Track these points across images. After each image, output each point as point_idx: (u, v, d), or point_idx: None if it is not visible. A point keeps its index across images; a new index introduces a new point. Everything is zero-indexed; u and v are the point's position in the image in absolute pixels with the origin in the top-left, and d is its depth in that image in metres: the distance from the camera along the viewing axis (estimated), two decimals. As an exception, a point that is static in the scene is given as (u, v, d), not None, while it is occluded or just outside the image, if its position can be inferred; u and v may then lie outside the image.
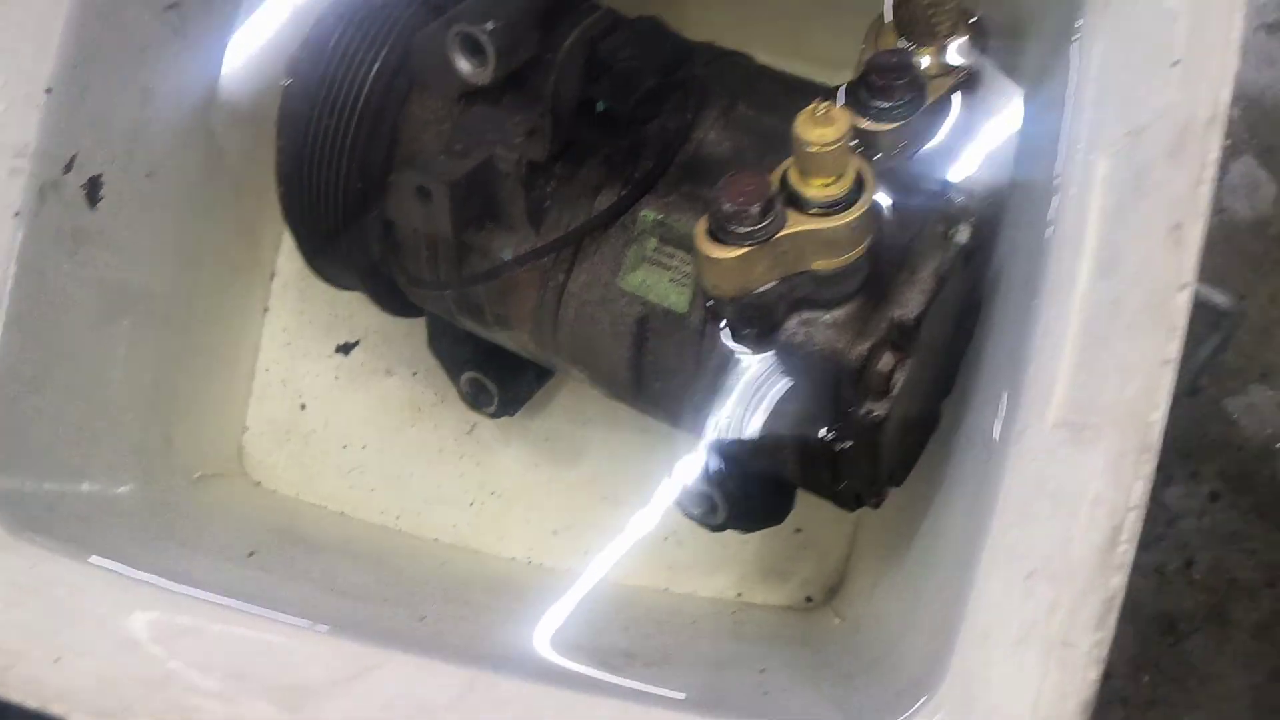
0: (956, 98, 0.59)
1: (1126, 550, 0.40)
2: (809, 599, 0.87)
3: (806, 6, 0.81)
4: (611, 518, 0.90)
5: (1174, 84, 0.43)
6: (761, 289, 0.55)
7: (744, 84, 0.68)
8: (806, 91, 0.68)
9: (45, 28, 0.63)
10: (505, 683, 0.53)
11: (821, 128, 0.50)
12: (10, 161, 0.62)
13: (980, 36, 0.59)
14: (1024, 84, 0.64)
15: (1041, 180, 0.58)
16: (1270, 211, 0.96)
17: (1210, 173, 0.40)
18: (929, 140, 0.59)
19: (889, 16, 0.59)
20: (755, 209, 0.51)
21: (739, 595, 0.88)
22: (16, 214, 0.63)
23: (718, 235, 0.53)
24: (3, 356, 0.63)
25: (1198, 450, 0.97)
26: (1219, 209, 0.95)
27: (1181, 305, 0.40)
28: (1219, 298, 0.77)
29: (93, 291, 0.71)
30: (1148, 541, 0.98)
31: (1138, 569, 0.97)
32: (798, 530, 0.88)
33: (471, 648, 0.62)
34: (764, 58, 0.86)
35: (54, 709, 0.46)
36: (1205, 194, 0.40)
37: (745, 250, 0.52)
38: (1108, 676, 1.00)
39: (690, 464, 0.74)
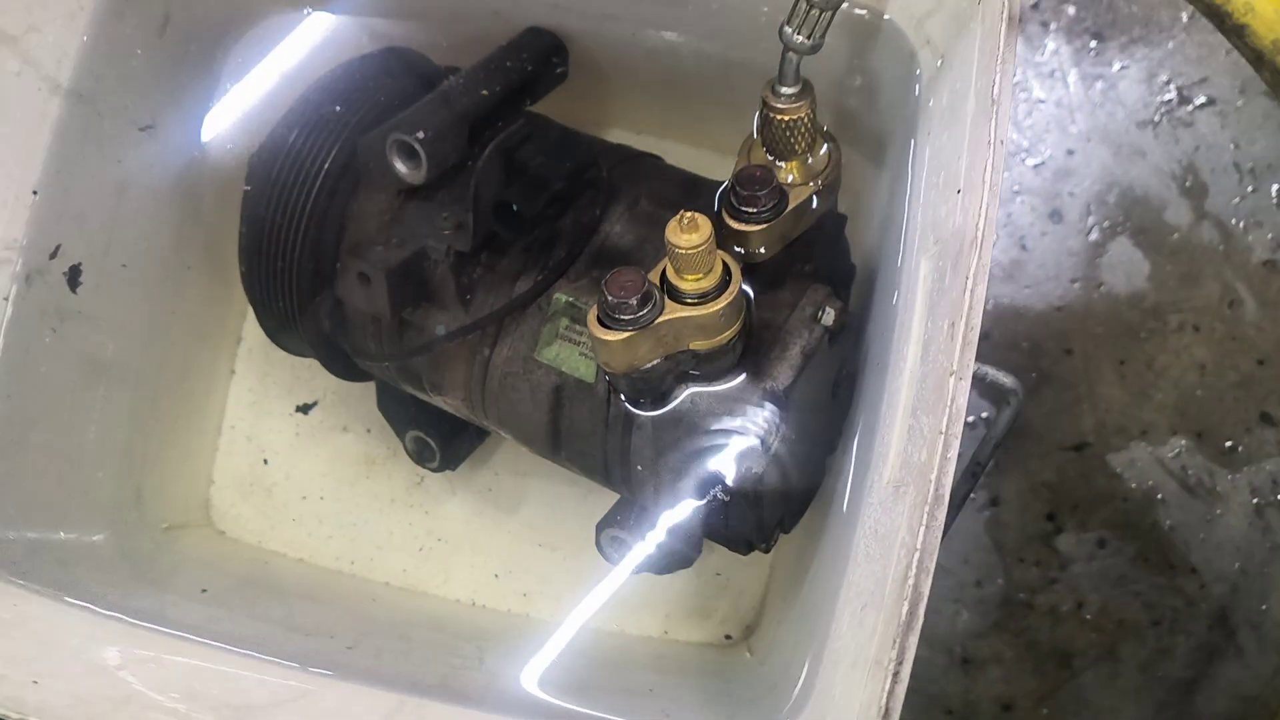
0: (815, 200, 0.68)
1: (914, 584, 0.48)
2: (728, 636, 0.96)
3: (709, 109, 0.91)
4: (548, 562, 0.98)
5: (958, 209, 0.53)
6: (648, 365, 0.65)
7: (648, 183, 0.77)
8: (698, 189, 0.79)
9: (31, 140, 0.72)
10: (433, 705, 0.61)
11: (688, 234, 0.59)
12: (4, 254, 0.71)
13: (837, 149, 0.69)
14: (875, 188, 0.74)
15: (891, 273, 0.68)
16: (1144, 286, 1.06)
17: (974, 282, 0.49)
18: (793, 236, 0.68)
19: (755, 134, 0.68)
20: (634, 300, 0.61)
21: (665, 633, 0.96)
22: (5, 298, 0.71)
23: (605, 321, 0.62)
24: (-7, 423, 0.71)
25: (1085, 501, 1.06)
26: (1097, 283, 1.05)
27: (954, 388, 0.49)
28: (1005, 379, 0.89)
29: (72, 363, 0.80)
30: (1043, 584, 1.07)
31: (1035, 610, 1.07)
32: (718, 574, 0.97)
33: (408, 676, 0.70)
34: (677, 146, 0.97)
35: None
36: (971, 298, 0.49)
37: (628, 334, 0.62)
38: (1008, 708, 1.08)
39: (610, 512, 0.83)
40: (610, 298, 0.61)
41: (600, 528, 0.83)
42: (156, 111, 0.82)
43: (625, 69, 0.89)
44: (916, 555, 0.48)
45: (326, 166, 0.80)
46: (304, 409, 1.02)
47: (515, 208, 0.73)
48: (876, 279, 0.76)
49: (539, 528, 0.99)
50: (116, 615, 0.66)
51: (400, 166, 0.76)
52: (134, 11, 0.76)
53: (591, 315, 0.63)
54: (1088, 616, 1.06)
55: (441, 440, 0.91)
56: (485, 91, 0.78)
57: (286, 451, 1.01)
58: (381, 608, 0.95)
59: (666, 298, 0.63)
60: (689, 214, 0.60)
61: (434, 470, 0.93)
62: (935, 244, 0.57)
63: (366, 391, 0.97)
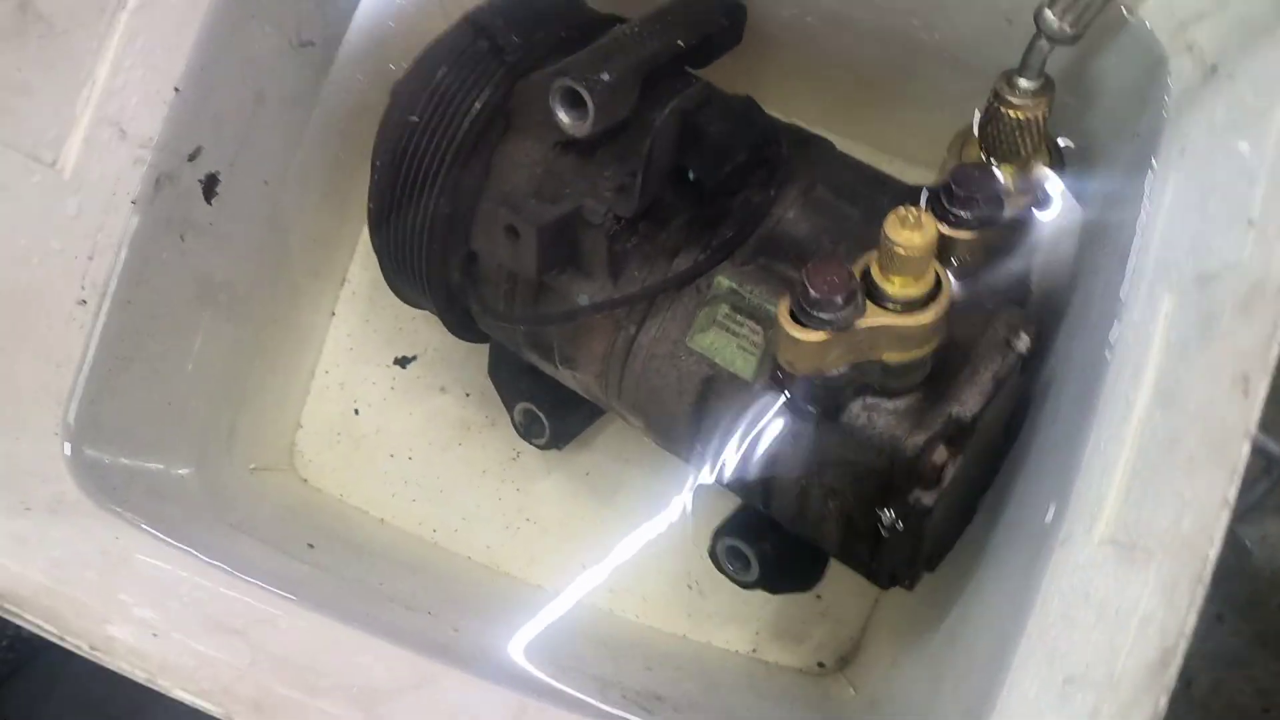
0: (1032, 214, 0.62)
1: (1174, 673, 0.42)
2: (821, 664, 0.90)
3: (880, 101, 0.84)
4: (641, 558, 0.92)
5: (1249, 243, 0.46)
6: (833, 372, 0.58)
7: (825, 169, 0.71)
8: (882, 184, 0.72)
9: (180, 32, 0.67)
10: (553, 713, 0.56)
11: (911, 231, 0.53)
12: (135, 151, 0.65)
13: (1059, 159, 0.62)
14: (1095, 207, 0.67)
15: (1102, 302, 0.61)
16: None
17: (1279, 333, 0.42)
18: (1001, 250, 0.62)
19: (975, 130, 0.62)
20: (839, 298, 0.54)
21: (753, 651, 0.90)
22: (134, 201, 0.66)
23: (799, 317, 0.56)
24: (104, 334, 0.66)
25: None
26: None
27: (1243, 452, 0.42)
28: (1274, 446, 0.79)
29: (188, 281, 0.75)
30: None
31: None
32: (818, 596, 0.91)
33: (511, 670, 0.65)
34: (832, 138, 0.91)
35: (166, 687, 0.48)
36: (1274, 352, 0.43)
37: (825, 335, 0.55)
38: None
39: (730, 519, 0.77)
40: (813, 292, 0.54)
41: (718, 534, 0.77)
42: (303, 19, 0.76)
43: (795, 42, 0.83)
44: (1181, 641, 0.41)
45: (478, 107, 0.74)
46: (402, 362, 0.97)
47: (692, 175, 0.67)
48: (1067, 303, 0.69)
49: (637, 520, 0.93)
50: (224, 566, 0.61)
51: (563, 116, 0.70)
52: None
53: (783, 308, 0.57)
54: (1195, 695, 0.99)
55: (553, 416, 0.85)
56: (661, 43, 0.71)
57: (379, 404, 0.96)
58: (466, 585, 0.90)
59: (867, 300, 0.56)
60: (914, 210, 0.53)
61: (540, 447, 0.88)
62: (1195, 279, 0.50)
63: (470, 354, 0.92)
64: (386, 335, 0.97)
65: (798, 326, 0.56)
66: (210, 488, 0.80)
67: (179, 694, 0.48)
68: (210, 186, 0.70)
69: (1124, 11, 0.58)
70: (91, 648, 0.49)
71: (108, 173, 0.62)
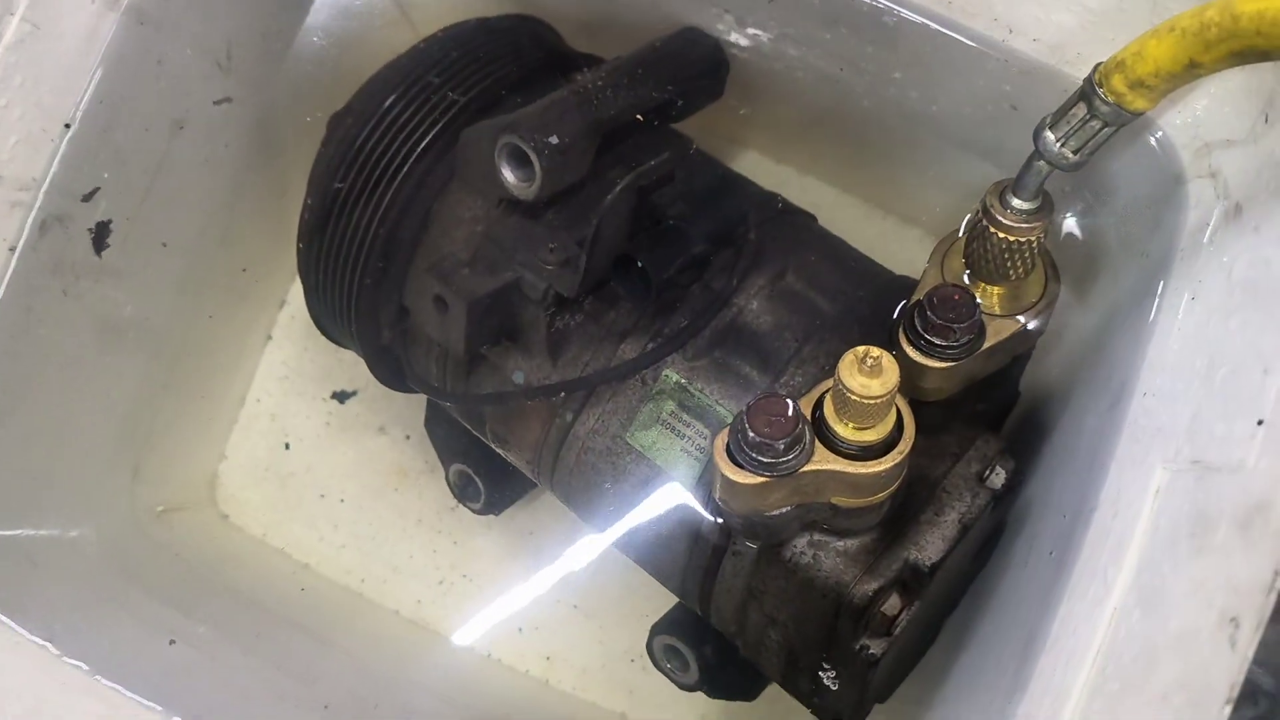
0: (1020, 337, 0.54)
1: None
2: (770, 758, 0.84)
3: (874, 159, 0.76)
4: (581, 629, 0.86)
5: (1256, 448, 0.39)
6: (774, 513, 0.51)
7: (800, 254, 0.63)
8: (862, 276, 0.64)
9: (76, 64, 0.59)
10: None
11: (867, 379, 0.46)
12: (13, 195, 0.58)
13: (1055, 277, 0.54)
14: (1096, 317, 0.59)
15: (1093, 442, 0.54)
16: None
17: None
18: (977, 378, 0.54)
19: (958, 239, 0.54)
20: (782, 443, 0.47)
21: (699, 736, 0.85)
22: (11, 249, 0.59)
23: (736, 457, 0.49)
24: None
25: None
26: None
27: (1223, 714, 0.36)
28: (1264, 678, 0.70)
29: (83, 324, 0.68)
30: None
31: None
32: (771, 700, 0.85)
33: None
34: (820, 185, 0.83)
35: None
36: (1270, 600, 0.36)
37: (764, 479, 0.48)
38: None
39: (670, 614, 0.71)
40: (751, 433, 0.47)
41: (655, 631, 0.71)
42: (229, 41, 0.68)
43: (786, 95, 0.75)
44: None
45: (420, 148, 0.66)
46: (340, 397, 0.90)
47: (640, 264, 0.59)
48: (1055, 422, 0.62)
49: (578, 588, 0.86)
50: (79, 664, 0.54)
51: (508, 175, 0.62)
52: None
53: (720, 442, 0.49)
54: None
55: (490, 482, 0.78)
56: (628, 100, 0.63)
57: (312, 440, 0.89)
58: (389, 645, 0.84)
59: (817, 441, 0.49)
60: (874, 353, 0.46)
61: (476, 512, 0.81)
62: (1192, 463, 0.43)
63: (417, 397, 0.85)
64: (325, 367, 0.90)
65: (733, 467, 0.48)
66: (108, 546, 0.74)
67: None
68: (101, 236, 0.63)
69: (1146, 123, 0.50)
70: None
71: (-20, 219, 0.55)
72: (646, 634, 0.78)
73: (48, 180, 0.58)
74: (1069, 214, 0.65)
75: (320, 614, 0.84)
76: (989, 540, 0.63)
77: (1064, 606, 0.49)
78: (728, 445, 0.49)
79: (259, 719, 0.63)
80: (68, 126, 0.59)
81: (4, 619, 0.56)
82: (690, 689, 0.71)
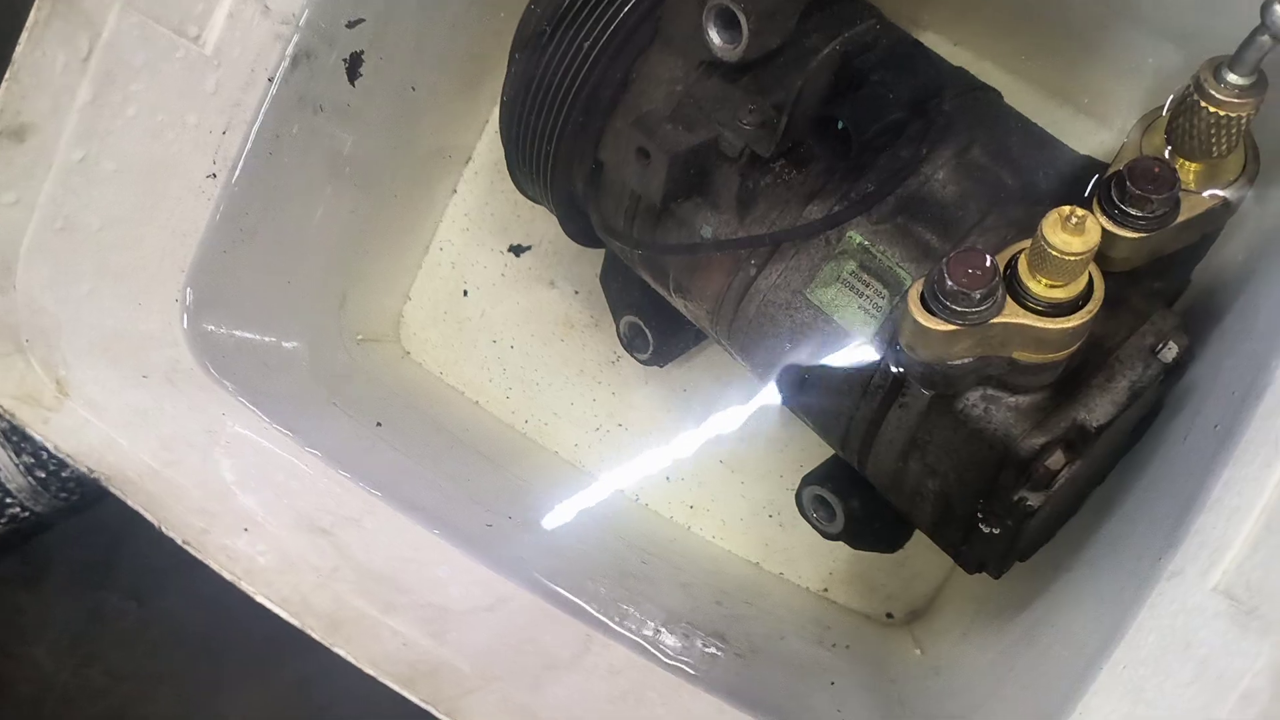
0: (1211, 216, 0.56)
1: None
2: (890, 615, 0.89)
3: (1061, 47, 0.77)
4: (726, 482, 0.92)
5: None
6: (957, 361, 0.55)
7: (987, 128, 0.66)
8: (1048, 153, 0.66)
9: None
10: (617, 648, 0.56)
11: (1070, 236, 0.49)
12: (277, 28, 0.64)
13: (1255, 164, 0.56)
14: (1272, 225, 0.61)
15: (1269, 321, 0.56)
16: None
17: None
18: (1165, 253, 0.56)
19: (1162, 115, 0.56)
20: (977, 294, 0.51)
21: (824, 590, 0.90)
22: (271, 79, 0.65)
23: (930, 305, 0.52)
24: (230, 206, 0.66)
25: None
26: None
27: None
28: None
29: (318, 156, 0.74)
30: None
31: None
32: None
33: (583, 590, 0.65)
34: (997, 71, 0.83)
35: (245, 587, 0.50)
36: None
37: (954, 327, 0.52)
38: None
39: (821, 467, 0.76)
40: (950, 282, 0.51)
41: (807, 481, 0.76)
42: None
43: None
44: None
45: (626, 11, 0.70)
46: (516, 250, 0.96)
47: (840, 125, 0.62)
48: (1228, 308, 0.64)
49: (726, 444, 0.92)
50: (317, 453, 0.62)
51: (715, 37, 0.65)
52: None
53: (914, 291, 0.53)
54: None
55: (659, 334, 0.84)
56: (833, -32, 0.66)
57: (488, 289, 0.96)
58: (547, 482, 0.91)
59: (1008, 295, 0.53)
60: (1079, 213, 0.49)
61: (642, 362, 0.87)
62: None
63: (585, 251, 0.90)
64: (504, 221, 0.96)
65: (926, 314, 0.52)
66: (316, 360, 0.82)
67: (260, 599, 0.50)
68: (355, 66, 0.68)
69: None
70: (184, 541, 0.51)
71: (248, 49, 0.61)
72: (784, 493, 0.84)
73: (304, 16, 0.63)
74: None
75: (489, 444, 0.92)
76: (1146, 417, 0.65)
77: (1228, 471, 0.52)
78: (922, 293, 0.53)
79: (444, 517, 0.69)
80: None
81: (254, 409, 0.63)
82: (833, 538, 0.76)
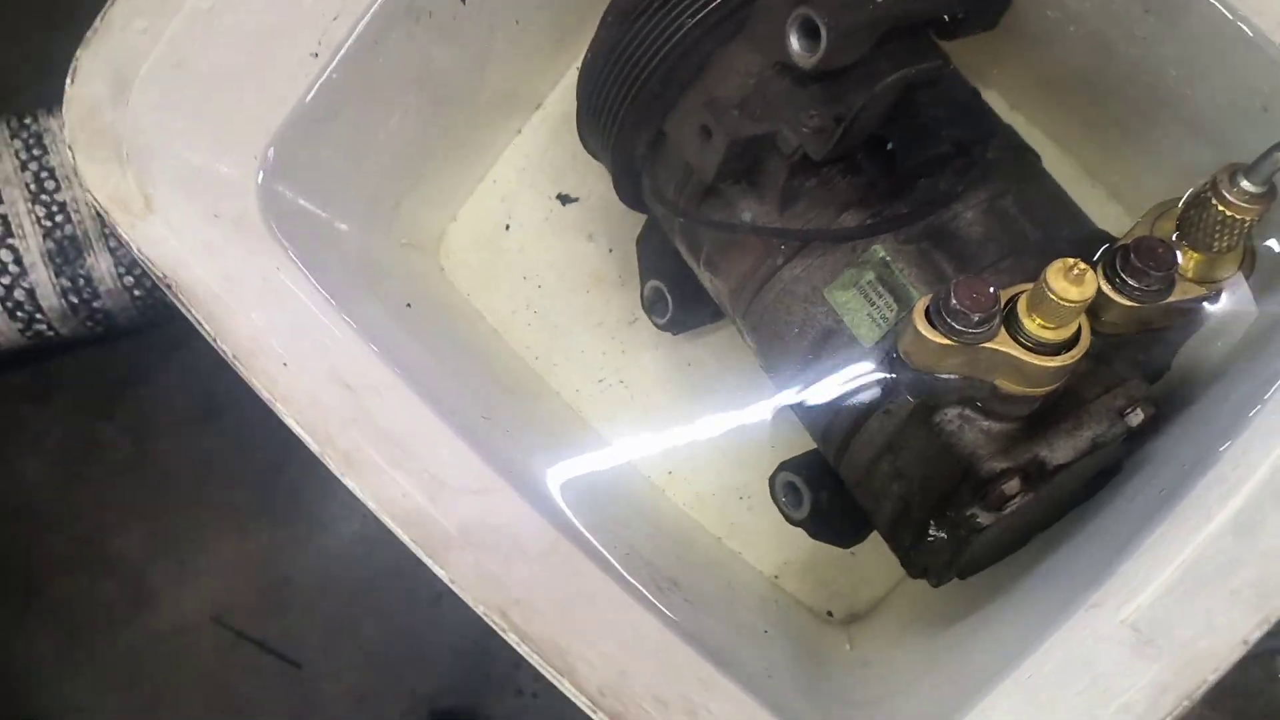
0: (1199, 307, 0.62)
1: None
2: (830, 613, 0.95)
3: (1104, 127, 0.82)
4: (709, 459, 0.98)
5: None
6: (945, 376, 0.61)
7: (1021, 182, 0.71)
8: (1072, 218, 0.72)
9: None
10: (580, 557, 0.62)
11: (1069, 284, 0.54)
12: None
13: (1251, 263, 0.61)
14: (1268, 317, 0.66)
15: (1230, 413, 0.62)
16: None
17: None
18: (1153, 328, 0.62)
19: (1181, 207, 0.61)
20: (977, 316, 0.56)
21: (776, 577, 0.96)
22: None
23: (933, 317, 0.58)
24: (324, 87, 0.71)
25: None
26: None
27: None
28: None
29: (411, 62, 0.80)
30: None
31: None
32: (853, 552, 0.95)
33: (556, 507, 0.71)
34: (1040, 137, 0.89)
35: (282, 412, 0.56)
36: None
37: (949, 342, 0.58)
38: None
39: (798, 457, 0.81)
40: (954, 301, 0.56)
41: (783, 467, 0.81)
42: None
43: (1049, 43, 0.81)
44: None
45: (719, 2, 0.75)
46: (564, 199, 1.02)
47: (890, 146, 0.68)
48: (1197, 398, 0.70)
49: (718, 424, 0.98)
50: (352, 323, 0.67)
51: (794, 42, 0.71)
52: None
53: (921, 304, 0.59)
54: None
55: (679, 304, 0.89)
56: (917, 6, 0.71)
57: (530, 229, 1.01)
58: (549, 416, 0.97)
59: (1003, 326, 0.58)
60: (1081, 266, 0.54)
61: (657, 326, 0.92)
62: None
63: (627, 215, 0.95)
64: (559, 169, 1.01)
65: (928, 325, 0.58)
66: (364, 248, 0.87)
67: (289, 422, 0.55)
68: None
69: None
70: (234, 355, 0.56)
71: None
72: (760, 480, 0.89)
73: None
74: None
75: (501, 371, 0.97)
76: (1103, 476, 0.71)
77: (1162, 528, 0.58)
78: (928, 308, 0.58)
79: (454, 410, 0.74)
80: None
81: (305, 271, 0.69)
82: (795, 524, 0.81)
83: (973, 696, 0.59)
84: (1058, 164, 0.91)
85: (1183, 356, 0.72)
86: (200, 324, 0.58)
